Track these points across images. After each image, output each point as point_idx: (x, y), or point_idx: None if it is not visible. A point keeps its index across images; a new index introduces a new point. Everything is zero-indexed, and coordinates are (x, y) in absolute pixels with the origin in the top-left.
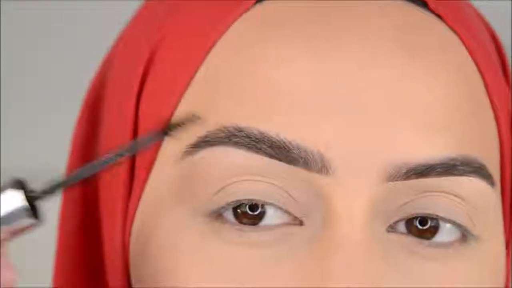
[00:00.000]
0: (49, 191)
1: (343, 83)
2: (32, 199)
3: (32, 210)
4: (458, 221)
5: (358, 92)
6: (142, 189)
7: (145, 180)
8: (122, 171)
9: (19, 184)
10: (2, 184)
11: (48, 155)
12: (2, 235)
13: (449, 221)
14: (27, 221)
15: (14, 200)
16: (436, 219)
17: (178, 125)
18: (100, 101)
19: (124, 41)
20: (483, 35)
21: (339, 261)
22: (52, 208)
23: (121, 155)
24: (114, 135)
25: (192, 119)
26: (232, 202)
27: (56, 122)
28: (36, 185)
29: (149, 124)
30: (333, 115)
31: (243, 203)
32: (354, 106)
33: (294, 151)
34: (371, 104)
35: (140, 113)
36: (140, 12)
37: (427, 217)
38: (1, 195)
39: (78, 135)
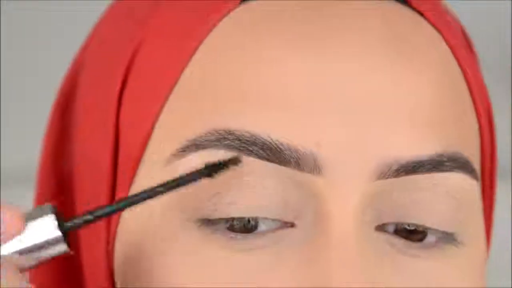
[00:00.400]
0: (83, 222)
1: (332, 83)
2: (67, 227)
3: (65, 238)
4: (447, 231)
5: (347, 91)
6: (126, 193)
7: (129, 184)
8: (104, 174)
9: (53, 212)
10: (35, 211)
11: None
12: (32, 261)
13: (436, 231)
14: (58, 249)
15: (48, 228)
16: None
17: (221, 167)
18: (72, 102)
19: (99, 40)
20: (458, 30)
21: (336, 261)
22: None
23: (163, 191)
24: (94, 138)
25: (235, 161)
26: (225, 218)
27: None
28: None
29: (131, 128)
30: (323, 115)
31: (236, 219)
32: (344, 105)
33: (285, 152)
34: (360, 103)
35: (122, 116)
36: (115, 9)
37: (416, 228)
38: (35, 221)
39: (49, 135)
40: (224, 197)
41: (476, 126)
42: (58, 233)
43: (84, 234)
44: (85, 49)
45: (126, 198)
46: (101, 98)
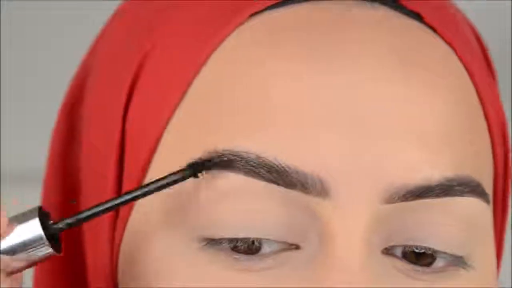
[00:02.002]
0: (72, 224)
1: (341, 102)
2: (52, 230)
3: (51, 240)
4: (457, 254)
5: (357, 112)
6: (130, 209)
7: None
8: (108, 191)
9: (40, 214)
10: (22, 213)
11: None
12: (19, 263)
13: (446, 254)
14: (45, 251)
15: (34, 229)
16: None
17: (205, 166)
18: (79, 104)
19: (108, 43)
20: (473, 43)
21: (341, 285)
22: None
23: (149, 191)
24: (99, 145)
25: (220, 162)
26: (230, 239)
27: None
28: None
29: (138, 137)
30: (331, 137)
31: (240, 239)
32: (353, 127)
33: (292, 175)
34: (369, 124)
35: (127, 125)
36: (124, 13)
37: (425, 251)
38: (22, 224)
39: (56, 136)
40: (229, 217)
41: (489, 145)
42: (43, 235)
43: (89, 235)
44: (93, 51)
45: (112, 199)
46: (108, 103)
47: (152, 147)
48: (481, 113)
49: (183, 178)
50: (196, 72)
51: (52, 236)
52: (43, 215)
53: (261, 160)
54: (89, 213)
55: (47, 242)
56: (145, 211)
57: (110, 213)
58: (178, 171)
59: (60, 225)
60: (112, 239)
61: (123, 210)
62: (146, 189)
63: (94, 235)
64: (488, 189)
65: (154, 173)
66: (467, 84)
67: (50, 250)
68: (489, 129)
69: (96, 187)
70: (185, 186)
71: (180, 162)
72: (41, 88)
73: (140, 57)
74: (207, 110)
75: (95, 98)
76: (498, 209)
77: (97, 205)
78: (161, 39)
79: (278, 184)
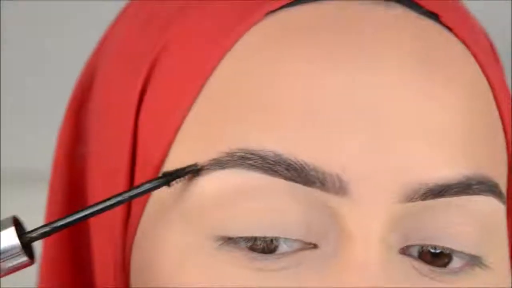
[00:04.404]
0: (48, 232)
1: (361, 100)
2: (27, 239)
3: (26, 249)
4: (474, 254)
5: (376, 110)
6: (143, 205)
7: (146, 198)
8: (120, 180)
9: (15, 223)
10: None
11: (48, 155)
12: None
13: (463, 254)
14: (20, 260)
15: (9, 238)
16: (450, 252)
17: (179, 175)
18: (87, 102)
19: (117, 41)
20: (485, 42)
21: (360, 285)
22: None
23: (117, 202)
24: (110, 142)
25: (193, 170)
26: (247, 237)
27: (56, 122)
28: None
29: (151, 137)
30: (350, 135)
31: (258, 238)
32: (372, 127)
33: (311, 172)
34: (388, 122)
35: (140, 124)
36: (133, 11)
37: (442, 251)
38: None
39: (63, 135)
40: (247, 216)
41: (503, 145)
42: (19, 245)
43: (97, 235)
44: (101, 49)
45: (89, 207)
46: (120, 102)
47: (168, 141)
48: (496, 113)
49: (157, 187)
50: (212, 70)
51: (26, 245)
52: (17, 225)
53: (279, 158)
54: (64, 221)
55: (22, 252)
56: (159, 209)
57: (122, 209)
58: (152, 180)
59: (35, 234)
60: (124, 235)
61: (135, 207)
62: (120, 198)
63: (103, 231)
64: (504, 189)
65: (169, 168)
66: (484, 84)
67: (25, 259)
68: (504, 128)
69: (106, 183)
70: (201, 184)
71: (194, 161)
72: (41, 88)
73: (155, 53)
74: (223, 108)
75: (105, 94)
76: (510, 210)
77: (72, 214)
78: (177, 36)
79: (297, 182)
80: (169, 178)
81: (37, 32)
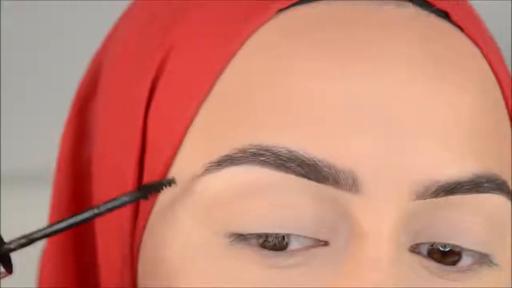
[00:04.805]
0: (25, 243)
1: (374, 98)
2: (4, 250)
3: (4, 260)
4: (484, 252)
5: (387, 109)
6: (152, 203)
7: (154, 196)
8: (128, 179)
9: None
10: None
11: (48, 155)
12: None
13: (473, 252)
14: None
15: None
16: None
17: (157, 188)
18: (91, 102)
19: (121, 41)
20: (493, 42)
21: (369, 283)
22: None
23: (100, 212)
24: (117, 141)
25: (170, 183)
26: (259, 234)
27: (56, 122)
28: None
29: (161, 135)
30: (363, 132)
31: (269, 235)
32: (384, 122)
33: (324, 169)
34: (400, 120)
35: (149, 123)
36: (138, 10)
37: (451, 249)
38: None
39: (66, 135)
40: (259, 213)
41: (510, 144)
42: None
43: (104, 234)
44: (105, 49)
45: (68, 217)
46: (128, 101)
47: (176, 143)
48: (505, 112)
49: (134, 200)
50: (223, 68)
51: (3, 256)
52: None
53: (291, 154)
54: (41, 233)
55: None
56: (168, 206)
57: (130, 208)
58: (129, 193)
59: (12, 246)
60: (132, 234)
61: (143, 205)
62: (97, 210)
63: (110, 230)
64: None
65: (177, 169)
66: (493, 83)
67: (2, 270)
68: (511, 126)
69: (112, 184)
70: (212, 182)
71: (206, 158)
72: (41, 88)
73: (163, 53)
74: (234, 106)
75: (112, 93)
76: None
77: (51, 225)
78: (185, 36)
79: (309, 179)
80: (146, 190)
81: (37, 32)
